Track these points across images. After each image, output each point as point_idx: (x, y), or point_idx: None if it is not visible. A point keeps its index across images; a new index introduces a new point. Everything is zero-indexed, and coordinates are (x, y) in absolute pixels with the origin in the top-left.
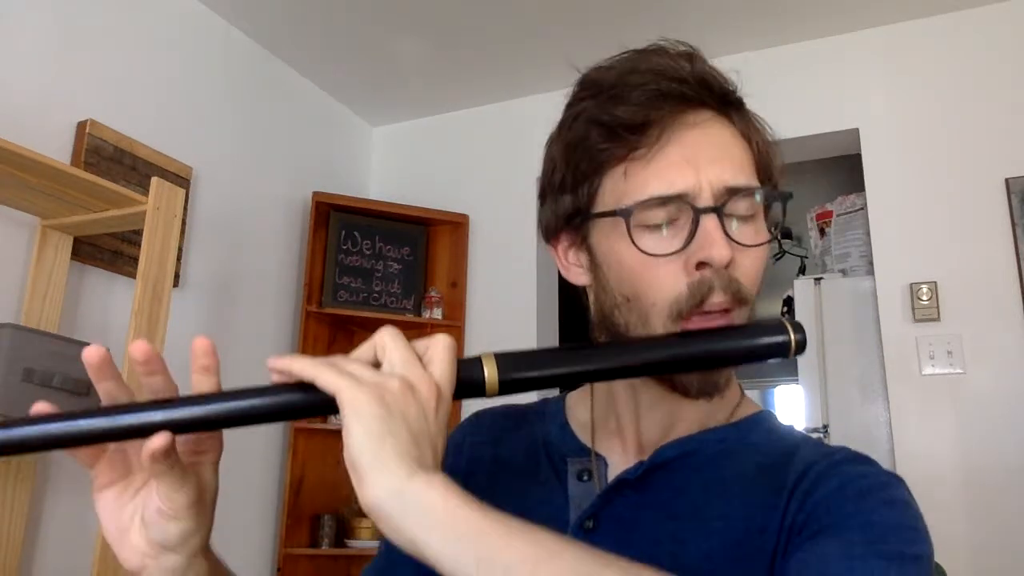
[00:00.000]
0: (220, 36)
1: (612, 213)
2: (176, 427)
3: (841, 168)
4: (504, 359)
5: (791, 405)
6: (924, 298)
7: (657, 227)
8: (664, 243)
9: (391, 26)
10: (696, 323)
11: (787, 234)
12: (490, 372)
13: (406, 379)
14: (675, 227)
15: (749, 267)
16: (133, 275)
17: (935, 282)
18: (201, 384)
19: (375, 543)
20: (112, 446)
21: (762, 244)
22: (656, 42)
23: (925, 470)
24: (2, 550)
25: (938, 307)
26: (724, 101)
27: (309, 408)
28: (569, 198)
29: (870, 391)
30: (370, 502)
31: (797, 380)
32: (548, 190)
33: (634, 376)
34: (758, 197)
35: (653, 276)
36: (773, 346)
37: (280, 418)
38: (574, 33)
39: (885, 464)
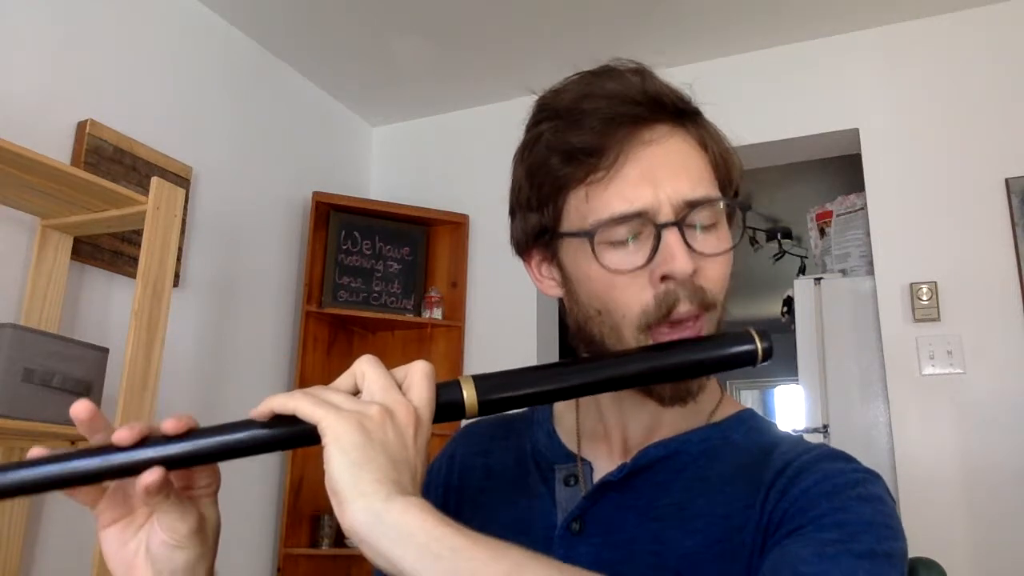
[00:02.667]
0: (220, 36)
1: (577, 234)
2: (167, 463)
3: (841, 168)
4: (482, 381)
5: (791, 405)
6: (924, 298)
7: (622, 243)
8: (629, 259)
9: (391, 26)
10: (667, 334)
11: (787, 234)
12: (469, 394)
13: (385, 406)
14: (639, 242)
15: (714, 273)
16: (133, 275)
17: (935, 282)
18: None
19: None
20: (112, 485)
21: (724, 252)
22: (606, 64)
23: (925, 470)
24: (2, 550)
25: (938, 307)
26: (678, 114)
27: (294, 439)
28: (536, 216)
29: (870, 391)
30: (350, 526)
31: (797, 380)
32: (516, 207)
33: (608, 390)
34: (719, 206)
35: (620, 291)
36: (741, 355)
37: (267, 450)
38: (574, 33)
39: (885, 464)
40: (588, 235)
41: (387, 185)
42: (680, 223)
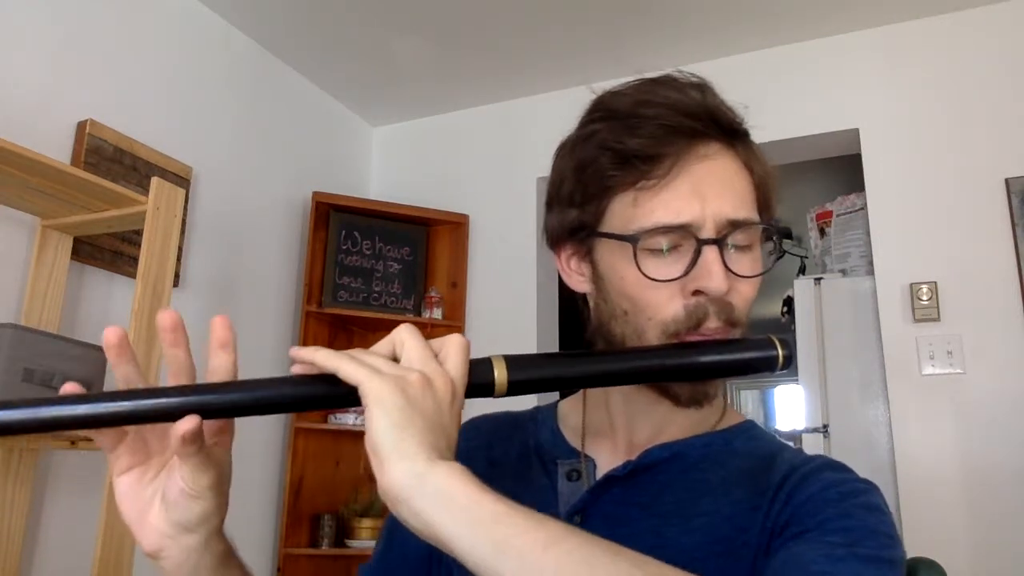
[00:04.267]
0: (220, 36)
1: (619, 237)
2: (203, 412)
3: (841, 168)
4: (513, 361)
5: (791, 405)
6: (924, 298)
7: (659, 251)
8: (665, 268)
9: (391, 26)
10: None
11: (787, 234)
12: (500, 373)
13: (424, 373)
14: (677, 253)
15: (744, 293)
16: (133, 275)
17: (935, 282)
18: (218, 358)
19: (375, 543)
20: (132, 431)
21: (757, 276)
22: (668, 73)
23: (925, 470)
24: (2, 550)
25: (938, 307)
26: (731, 134)
27: (331, 398)
28: (576, 212)
29: (870, 391)
30: (390, 485)
31: (797, 380)
32: (555, 200)
33: (634, 382)
34: (757, 228)
35: (652, 296)
36: (762, 360)
37: (302, 408)
38: (574, 33)
39: (885, 464)
40: (632, 240)
41: (387, 185)
42: (720, 241)
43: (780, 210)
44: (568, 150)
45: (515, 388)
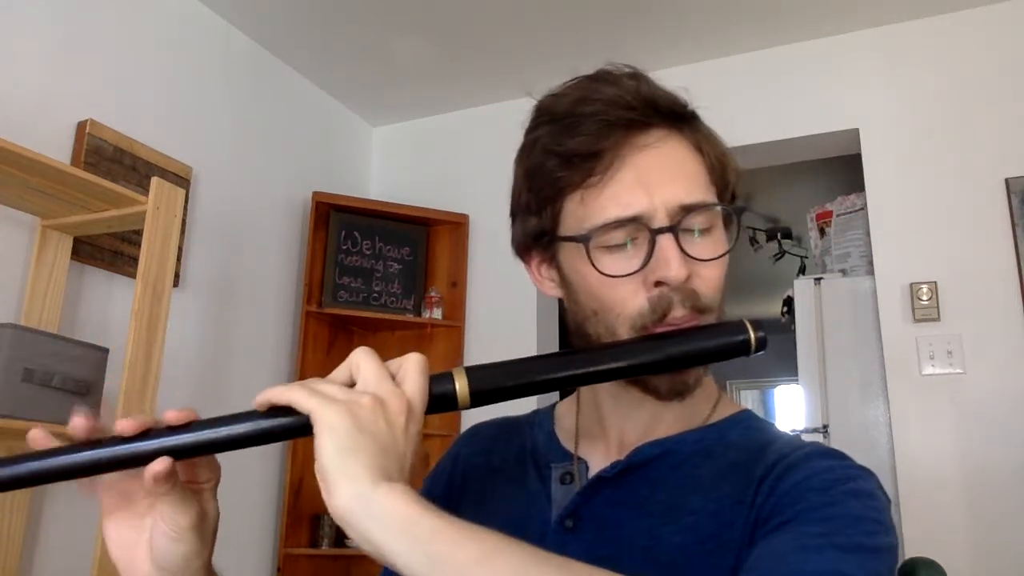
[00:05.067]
0: (220, 36)
1: (573, 238)
2: (172, 453)
3: (841, 168)
4: (474, 372)
5: (791, 405)
6: (924, 298)
7: (618, 247)
8: (624, 263)
9: (391, 26)
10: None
11: (787, 234)
12: (461, 386)
13: (377, 395)
14: (636, 245)
15: (709, 277)
16: (133, 275)
17: (935, 282)
18: None
19: None
20: (108, 475)
21: (719, 257)
22: (603, 68)
23: (925, 470)
24: (2, 550)
25: (938, 307)
26: (674, 117)
27: (290, 430)
28: (535, 220)
29: (870, 391)
30: (337, 509)
31: (797, 380)
32: (517, 210)
33: (602, 381)
34: (715, 210)
35: (615, 293)
36: (734, 345)
37: (266, 441)
38: (573, 33)
39: (885, 464)
40: (584, 240)
41: (387, 185)
42: (675, 228)
43: (780, 210)
44: (518, 160)
45: (479, 399)
